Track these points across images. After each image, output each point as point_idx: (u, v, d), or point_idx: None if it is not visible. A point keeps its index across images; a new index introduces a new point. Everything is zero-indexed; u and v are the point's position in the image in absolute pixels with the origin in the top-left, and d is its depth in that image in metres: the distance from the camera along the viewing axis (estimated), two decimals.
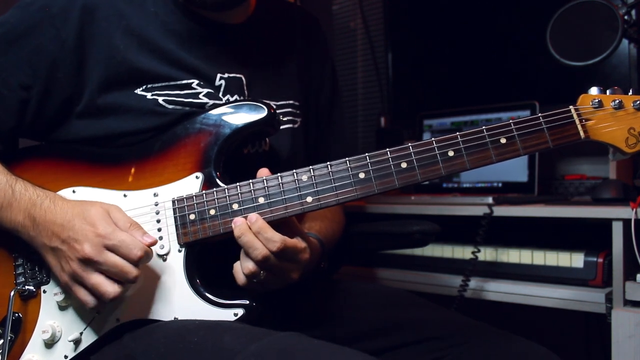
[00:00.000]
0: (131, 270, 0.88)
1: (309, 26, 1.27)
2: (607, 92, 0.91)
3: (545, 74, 1.76)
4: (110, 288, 0.88)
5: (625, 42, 1.46)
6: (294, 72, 1.19)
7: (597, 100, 0.90)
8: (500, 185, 1.72)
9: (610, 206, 1.26)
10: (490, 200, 1.43)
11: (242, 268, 0.91)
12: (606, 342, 1.25)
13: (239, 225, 0.90)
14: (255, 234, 0.89)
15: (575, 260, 1.33)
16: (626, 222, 1.21)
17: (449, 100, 2.03)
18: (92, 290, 0.89)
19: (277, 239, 0.88)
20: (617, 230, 1.22)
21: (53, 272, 0.94)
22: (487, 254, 1.45)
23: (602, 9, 1.25)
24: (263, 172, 0.94)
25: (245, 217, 0.91)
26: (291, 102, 1.16)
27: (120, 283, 0.89)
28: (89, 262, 0.88)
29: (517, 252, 1.42)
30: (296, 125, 1.16)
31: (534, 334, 1.17)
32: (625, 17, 1.24)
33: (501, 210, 1.40)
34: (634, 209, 1.18)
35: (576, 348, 1.87)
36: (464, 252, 1.49)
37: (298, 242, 0.92)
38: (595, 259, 1.30)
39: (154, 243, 0.92)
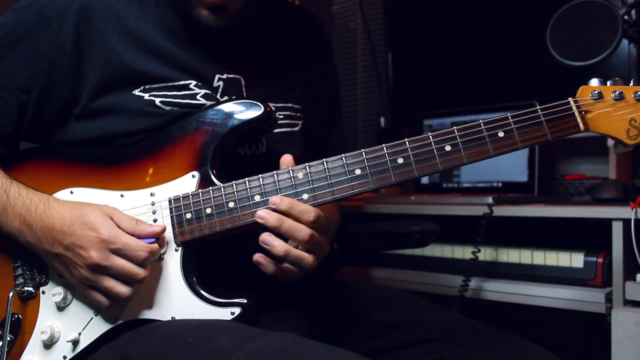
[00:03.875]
0: (138, 272, 0.89)
1: (310, 27, 1.26)
2: (608, 83, 0.90)
3: (545, 74, 1.76)
4: (123, 289, 0.89)
5: (625, 42, 1.46)
6: (295, 75, 1.18)
7: (597, 92, 0.88)
8: (500, 185, 1.72)
9: (610, 206, 1.26)
10: (490, 200, 1.43)
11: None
12: (606, 342, 1.25)
13: (269, 216, 0.88)
14: (288, 210, 0.87)
15: (575, 260, 1.33)
16: (626, 222, 1.21)
17: (449, 100, 2.03)
18: (106, 293, 0.91)
19: (310, 209, 0.88)
20: (617, 230, 1.22)
21: (63, 277, 0.95)
22: (487, 254, 1.45)
23: (602, 9, 1.25)
24: (286, 159, 0.93)
25: (264, 209, 0.89)
26: (290, 104, 1.15)
27: (129, 283, 0.90)
28: (97, 268, 0.89)
29: (517, 252, 1.42)
30: (295, 129, 1.15)
31: (534, 334, 1.17)
32: (625, 17, 1.24)
33: (501, 210, 1.40)
34: (634, 209, 1.18)
35: (576, 348, 1.87)
36: (464, 252, 1.49)
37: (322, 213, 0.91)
38: (595, 259, 1.30)
39: (164, 230, 0.93)
